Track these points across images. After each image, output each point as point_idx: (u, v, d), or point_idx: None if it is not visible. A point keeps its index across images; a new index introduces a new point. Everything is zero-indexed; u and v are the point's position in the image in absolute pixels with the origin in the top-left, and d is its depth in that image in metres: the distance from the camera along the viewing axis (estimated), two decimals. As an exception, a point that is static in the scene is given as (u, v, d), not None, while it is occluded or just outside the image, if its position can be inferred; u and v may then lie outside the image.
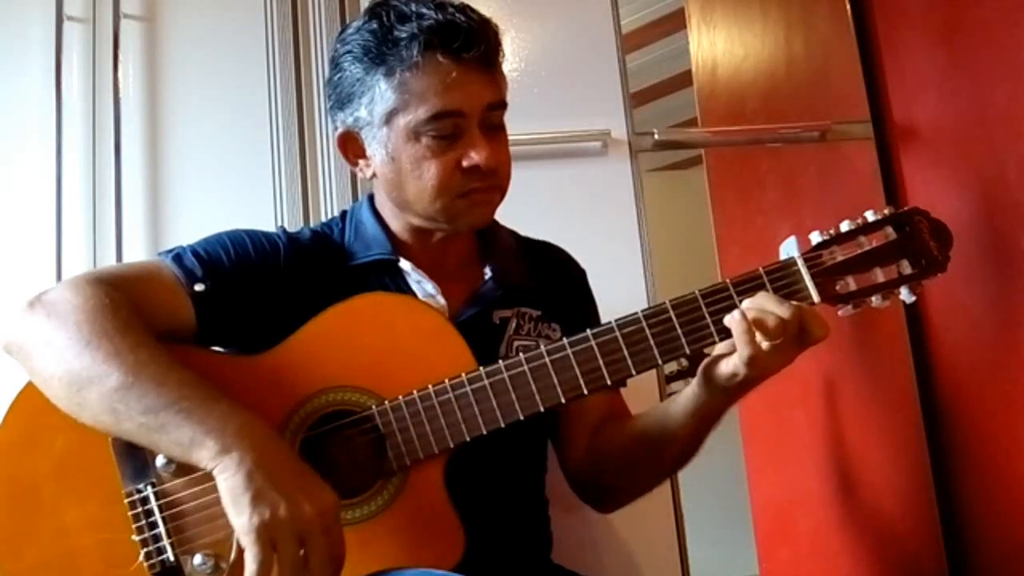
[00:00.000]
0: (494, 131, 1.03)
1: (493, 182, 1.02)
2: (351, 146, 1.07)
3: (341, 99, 1.04)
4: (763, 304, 0.89)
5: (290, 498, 0.80)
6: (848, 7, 1.66)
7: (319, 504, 0.81)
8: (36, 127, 1.51)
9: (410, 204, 1.03)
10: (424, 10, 0.98)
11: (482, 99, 1.00)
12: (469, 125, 0.99)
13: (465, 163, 0.99)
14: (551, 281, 1.16)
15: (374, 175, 1.06)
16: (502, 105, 1.04)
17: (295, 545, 0.80)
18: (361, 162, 1.07)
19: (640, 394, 1.19)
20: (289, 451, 0.87)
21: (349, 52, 1.02)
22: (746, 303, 0.90)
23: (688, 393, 0.98)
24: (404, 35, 0.97)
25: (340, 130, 1.06)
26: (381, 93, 1.00)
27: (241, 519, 0.80)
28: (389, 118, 1.00)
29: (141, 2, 1.58)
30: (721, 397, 0.95)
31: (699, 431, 1.00)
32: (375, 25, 1.00)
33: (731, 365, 0.90)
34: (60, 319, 0.88)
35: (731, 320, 0.89)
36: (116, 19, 1.55)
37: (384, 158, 1.02)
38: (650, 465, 1.07)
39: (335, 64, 1.05)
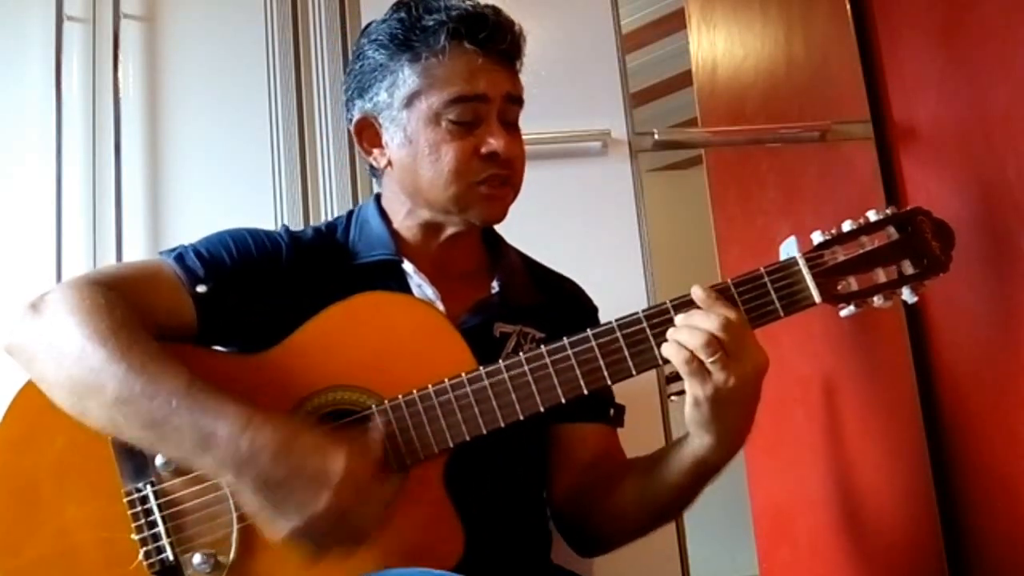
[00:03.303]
0: (510, 128, 1.05)
1: (508, 174, 1.03)
2: (367, 134, 1.07)
3: (362, 86, 1.06)
4: (690, 321, 0.89)
5: (309, 500, 0.80)
6: (848, 7, 1.66)
7: (340, 491, 0.81)
8: (36, 127, 1.52)
9: (423, 191, 1.04)
10: (452, 1, 1.02)
11: (504, 88, 1.02)
12: (489, 113, 1.01)
13: (484, 149, 1.01)
14: (561, 309, 1.14)
15: (388, 164, 1.06)
16: (520, 101, 1.06)
17: (340, 537, 0.83)
18: (376, 151, 1.07)
19: (639, 394, 1.19)
20: (285, 434, 0.83)
21: (374, 41, 1.04)
22: (678, 319, 0.90)
23: (687, 437, 0.95)
24: (432, 23, 1.00)
25: (357, 117, 1.07)
26: (405, 78, 1.02)
27: (277, 534, 0.82)
28: (411, 101, 1.02)
29: (141, 2, 1.58)
30: (708, 438, 0.91)
31: (697, 477, 0.96)
32: (403, 14, 1.03)
33: (690, 397, 0.89)
34: (58, 323, 0.88)
35: (667, 349, 0.89)
36: (116, 19, 1.55)
37: (402, 141, 1.03)
38: (641, 507, 1.02)
39: (357, 55, 1.07)
